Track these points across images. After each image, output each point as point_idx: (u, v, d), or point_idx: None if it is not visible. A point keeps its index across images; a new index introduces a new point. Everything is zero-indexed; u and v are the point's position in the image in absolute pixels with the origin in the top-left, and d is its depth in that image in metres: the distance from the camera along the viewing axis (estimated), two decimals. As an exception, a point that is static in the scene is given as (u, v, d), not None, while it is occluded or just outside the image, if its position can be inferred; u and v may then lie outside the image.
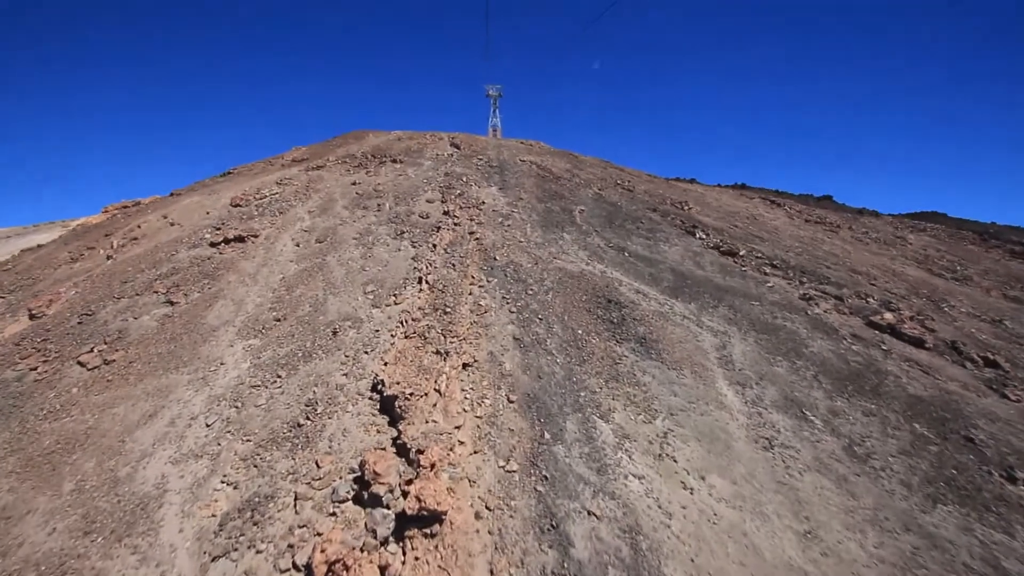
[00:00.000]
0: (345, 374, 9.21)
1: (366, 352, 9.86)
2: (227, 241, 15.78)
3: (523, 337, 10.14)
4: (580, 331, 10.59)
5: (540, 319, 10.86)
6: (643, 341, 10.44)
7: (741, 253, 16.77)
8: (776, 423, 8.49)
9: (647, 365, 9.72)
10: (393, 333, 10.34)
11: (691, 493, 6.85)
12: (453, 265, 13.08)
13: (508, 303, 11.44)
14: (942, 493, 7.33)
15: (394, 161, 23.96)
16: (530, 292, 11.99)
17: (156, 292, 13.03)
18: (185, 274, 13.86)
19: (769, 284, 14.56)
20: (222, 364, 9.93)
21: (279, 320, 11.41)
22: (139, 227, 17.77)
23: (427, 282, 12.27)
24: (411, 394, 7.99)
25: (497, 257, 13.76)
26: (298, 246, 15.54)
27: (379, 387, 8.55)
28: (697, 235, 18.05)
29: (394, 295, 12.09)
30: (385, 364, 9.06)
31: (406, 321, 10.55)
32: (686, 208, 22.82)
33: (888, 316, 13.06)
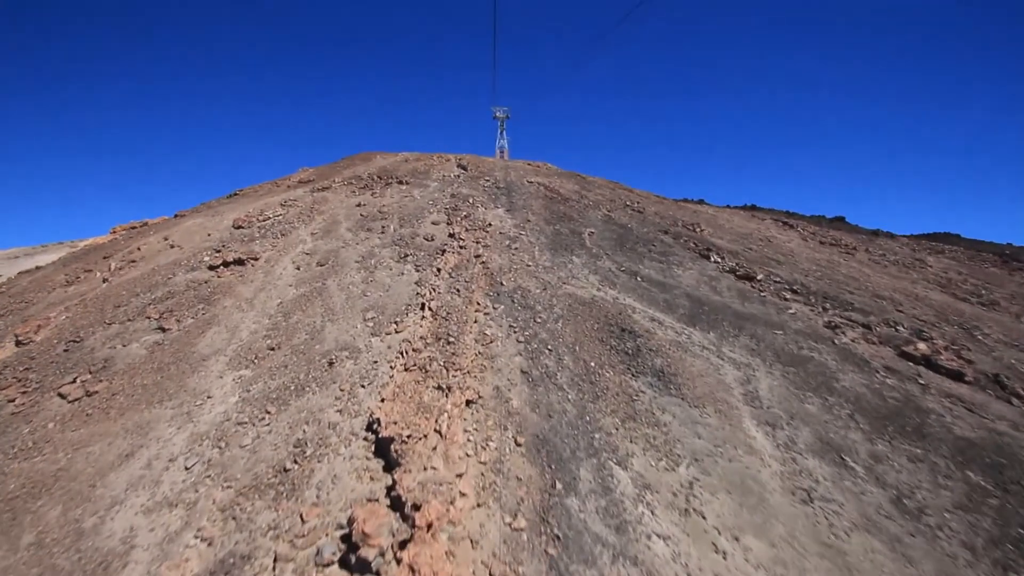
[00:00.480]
0: (339, 411, 8.52)
1: (363, 386, 9.18)
2: (226, 264, 15.33)
3: (531, 370, 9.42)
4: (593, 363, 9.86)
5: (549, 350, 10.15)
6: (661, 375, 9.68)
7: (759, 277, 16.03)
8: (813, 471, 7.64)
9: (666, 402, 8.93)
10: (392, 365, 9.67)
11: (724, 558, 6.01)
12: (458, 291, 12.47)
13: (515, 332, 10.76)
14: (1012, 559, 6.42)
15: (400, 182, 23.67)
16: (539, 320, 11.31)
17: (149, 318, 12.51)
18: (180, 298, 13.35)
19: (791, 311, 13.77)
20: (209, 398, 9.27)
21: (273, 349, 10.79)
22: (139, 249, 17.42)
23: (430, 309, 11.65)
24: (409, 436, 7.26)
25: (504, 282, 13.14)
26: (298, 269, 15.04)
27: (375, 427, 7.83)
28: (712, 259, 17.36)
29: (395, 322, 11.45)
30: (382, 400, 8.36)
31: (406, 352, 9.88)
32: (698, 230, 22.18)
33: (922, 346, 12.19)
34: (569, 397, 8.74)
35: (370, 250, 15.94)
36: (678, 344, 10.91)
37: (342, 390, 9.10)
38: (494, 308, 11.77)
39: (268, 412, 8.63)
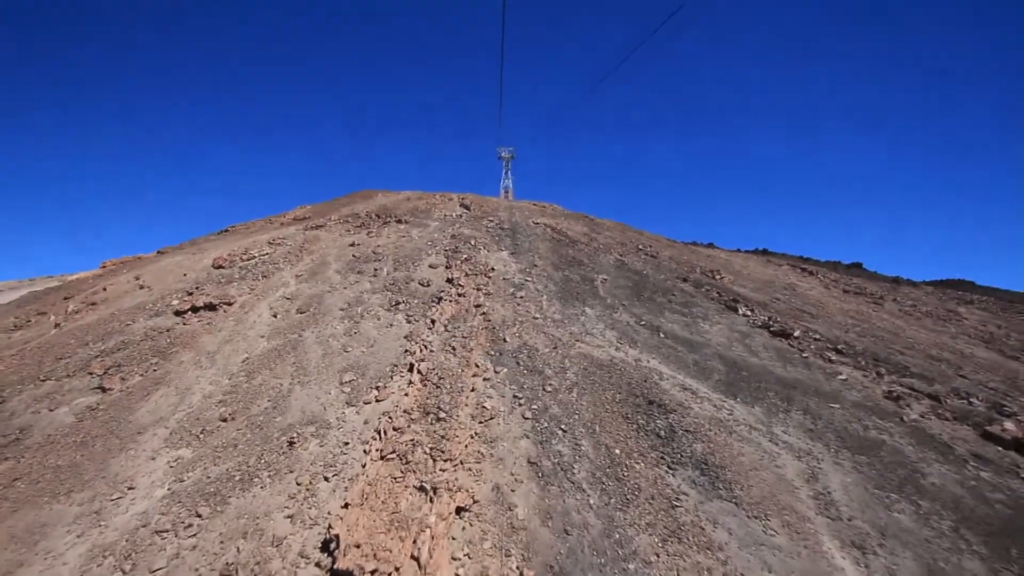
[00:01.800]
0: (290, 516, 6.52)
1: (326, 478, 7.20)
2: (195, 309, 13.60)
3: (541, 460, 7.44)
4: (618, 450, 7.88)
5: (563, 430, 8.19)
6: (704, 467, 7.66)
7: (796, 334, 14.16)
8: (935, 628, 5.53)
9: (717, 510, 6.89)
10: (367, 448, 7.71)
11: None
12: (453, 348, 10.62)
13: (521, 404, 8.84)
14: None
15: (399, 221, 22.30)
16: (548, 388, 9.41)
17: (91, 373, 10.65)
18: (133, 350, 11.54)
19: (841, 376, 11.81)
20: (130, 489, 7.29)
21: (225, 420, 8.86)
22: (104, 289, 15.76)
23: (419, 371, 9.77)
24: (375, 571, 5.25)
25: (507, 338, 11.31)
26: (275, 317, 13.29)
27: (332, 547, 5.82)
28: (740, 311, 15.55)
29: (376, 388, 9.56)
30: (346, 505, 6.37)
31: (386, 431, 7.93)
32: (718, 277, 20.50)
33: (1009, 426, 10.14)
34: (591, 502, 6.73)
35: (358, 296, 14.23)
36: (719, 423, 8.93)
37: (299, 484, 7.12)
38: (495, 372, 9.90)
39: (199, 516, 6.63)
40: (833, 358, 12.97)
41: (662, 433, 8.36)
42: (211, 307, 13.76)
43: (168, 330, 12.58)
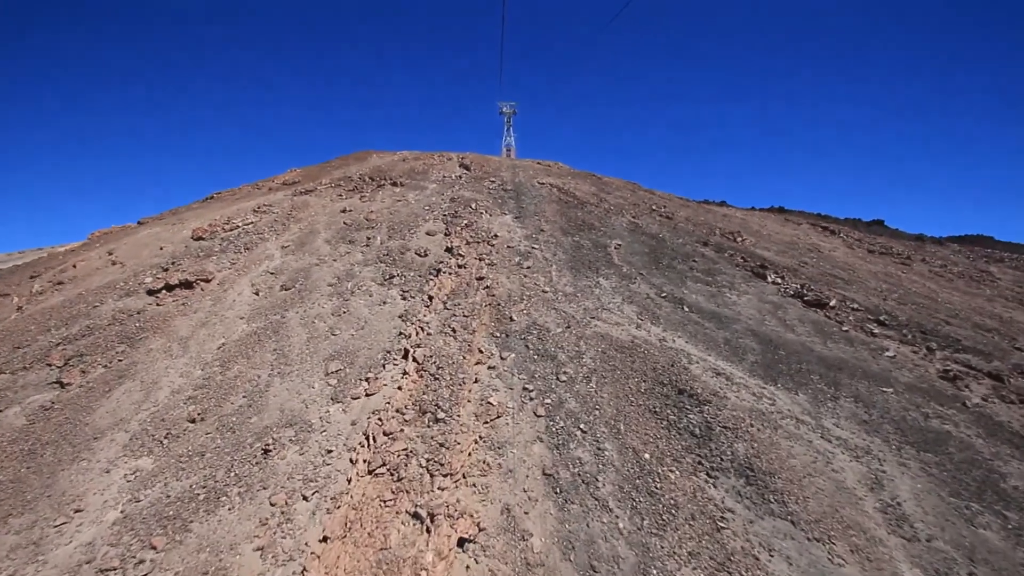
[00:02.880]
0: (260, 549, 5.44)
1: (305, 496, 6.10)
2: (169, 288, 12.33)
3: (558, 470, 6.30)
4: (647, 454, 6.72)
5: (583, 430, 7.02)
6: (749, 474, 6.51)
7: (832, 304, 12.79)
8: None
9: (769, 530, 5.77)
10: (353, 458, 6.59)
11: None
12: (453, 330, 9.36)
13: (532, 398, 7.64)
14: None
15: (394, 184, 20.62)
16: (563, 376, 8.19)
17: (50, 365, 9.53)
18: (99, 336, 10.36)
19: (889, 353, 10.54)
20: (78, 511, 6.24)
21: (194, 421, 7.74)
22: (74, 266, 14.49)
23: (415, 359, 8.55)
24: (355, 637, 4.17)
25: (514, 316, 10.02)
26: (257, 295, 12.02)
27: (307, 594, 4.75)
28: (769, 278, 14.12)
29: (366, 380, 8.38)
30: (325, 539, 5.26)
31: (375, 437, 6.78)
32: (739, 240, 18.94)
33: (1085, 410, 8.92)
34: (620, 525, 5.61)
35: (349, 269, 12.89)
36: (761, 416, 7.73)
37: (273, 504, 6.03)
38: (501, 358, 8.67)
39: (153, 548, 5.57)
40: (876, 331, 11.65)
41: (697, 431, 7.18)
42: (187, 285, 12.48)
43: (139, 312, 11.36)
